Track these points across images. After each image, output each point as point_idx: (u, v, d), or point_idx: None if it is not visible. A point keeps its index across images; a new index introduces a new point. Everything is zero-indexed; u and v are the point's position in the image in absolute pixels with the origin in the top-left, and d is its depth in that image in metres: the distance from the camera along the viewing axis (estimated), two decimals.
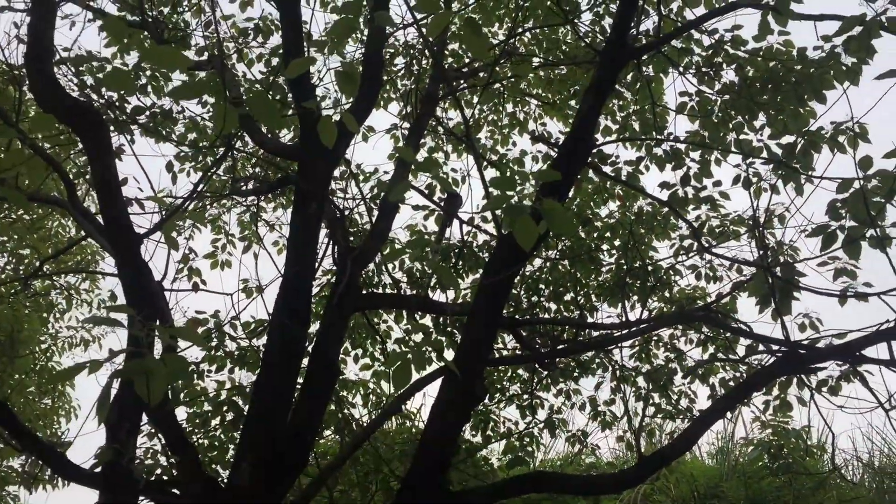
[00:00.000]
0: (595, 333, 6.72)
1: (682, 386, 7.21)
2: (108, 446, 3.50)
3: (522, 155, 7.35)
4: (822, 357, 4.38)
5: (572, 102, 7.47)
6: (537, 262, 7.29)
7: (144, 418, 3.88)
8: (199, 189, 4.69)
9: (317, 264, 4.85)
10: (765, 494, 8.57)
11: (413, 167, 5.26)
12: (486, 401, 7.56)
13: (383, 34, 4.70)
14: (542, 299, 7.52)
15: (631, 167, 6.09)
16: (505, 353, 7.09)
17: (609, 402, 7.30)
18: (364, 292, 4.92)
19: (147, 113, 6.31)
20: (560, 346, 6.16)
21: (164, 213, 7.24)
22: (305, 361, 4.53)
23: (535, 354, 5.79)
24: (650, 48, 5.29)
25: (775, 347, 4.67)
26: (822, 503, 8.26)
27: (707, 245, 6.23)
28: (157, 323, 3.53)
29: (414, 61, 6.90)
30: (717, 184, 5.83)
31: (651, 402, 7.18)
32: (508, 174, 3.97)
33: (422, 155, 6.71)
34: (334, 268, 5.07)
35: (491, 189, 2.69)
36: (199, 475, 3.67)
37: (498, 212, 3.67)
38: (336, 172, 6.59)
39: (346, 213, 5.74)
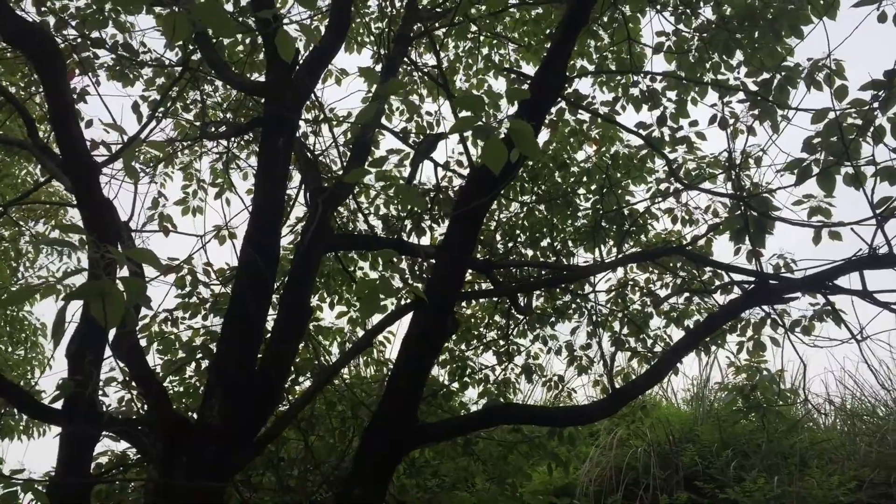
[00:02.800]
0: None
1: (658, 330, 7.26)
2: (69, 378, 3.44)
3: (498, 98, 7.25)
4: (792, 288, 4.37)
5: (548, 45, 7.36)
6: (514, 207, 7.25)
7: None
8: (158, 113, 4.55)
9: (287, 202, 4.76)
10: (738, 437, 8.68)
11: (383, 96, 5.16)
12: (463, 347, 7.60)
13: None
14: (518, 244, 7.50)
15: (607, 108, 6.02)
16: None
17: (585, 346, 7.34)
18: (336, 234, 4.84)
19: (112, 55, 6.14)
20: (532, 281, 6.13)
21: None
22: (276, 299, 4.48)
23: (506, 289, 5.76)
24: None
25: (745, 279, 4.67)
26: (794, 445, 8.37)
27: (683, 186, 6.23)
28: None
29: (387, 2, 6.75)
30: (694, 124, 5.78)
31: (626, 346, 7.22)
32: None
33: (395, 98, 6.61)
34: (306, 210, 4.98)
35: (459, 110, 2.61)
36: (167, 411, 3.62)
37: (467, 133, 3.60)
38: (308, 116, 6.48)
39: (319, 156, 5.63)
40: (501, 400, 6.61)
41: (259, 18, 3.89)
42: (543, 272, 6.36)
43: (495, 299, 7.22)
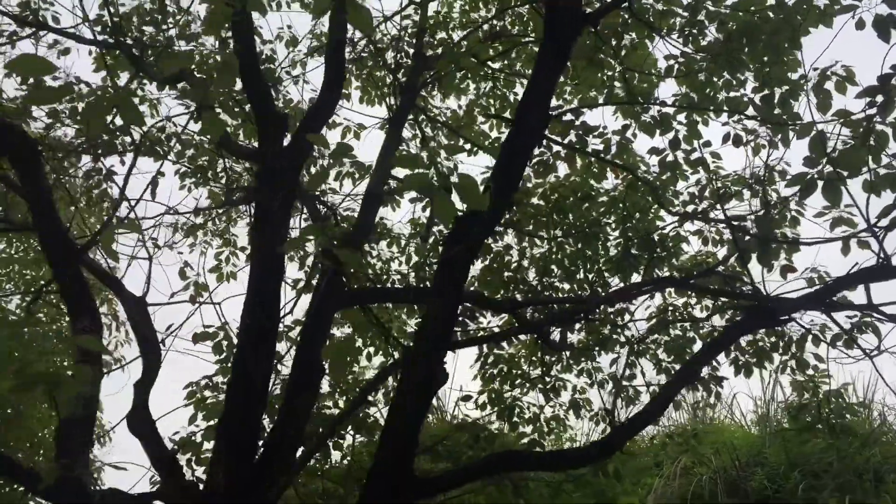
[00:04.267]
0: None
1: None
2: (53, 463, 3.58)
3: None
4: (792, 307, 4.24)
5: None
6: (543, 245, 7.25)
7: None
8: (141, 198, 4.75)
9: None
10: (808, 457, 8.34)
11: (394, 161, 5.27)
12: (507, 387, 7.56)
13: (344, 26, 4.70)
14: (553, 280, 7.47)
15: (619, 136, 6.00)
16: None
17: (630, 377, 7.20)
18: (349, 289, 4.92)
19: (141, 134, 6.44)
20: (546, 316, 6.09)
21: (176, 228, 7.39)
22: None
23: (513, 330, 5.73)
24: (604, 12, 5.16)
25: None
26: (868, 461, 8.00)
27: (710, 205, 6.13)
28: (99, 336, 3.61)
29: (394, 51, 6.90)
30: (707, 144, 5.69)
31: (672, 373, 7.06)
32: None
33: (408, 148, 6.72)
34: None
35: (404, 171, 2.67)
36: (176, 481, 3.72)
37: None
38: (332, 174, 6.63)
39: (326, 213, 5.75)
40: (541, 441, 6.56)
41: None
42: (567, 305, 6.31)
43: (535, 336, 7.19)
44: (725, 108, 5.37)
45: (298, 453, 4.34)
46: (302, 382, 4.30)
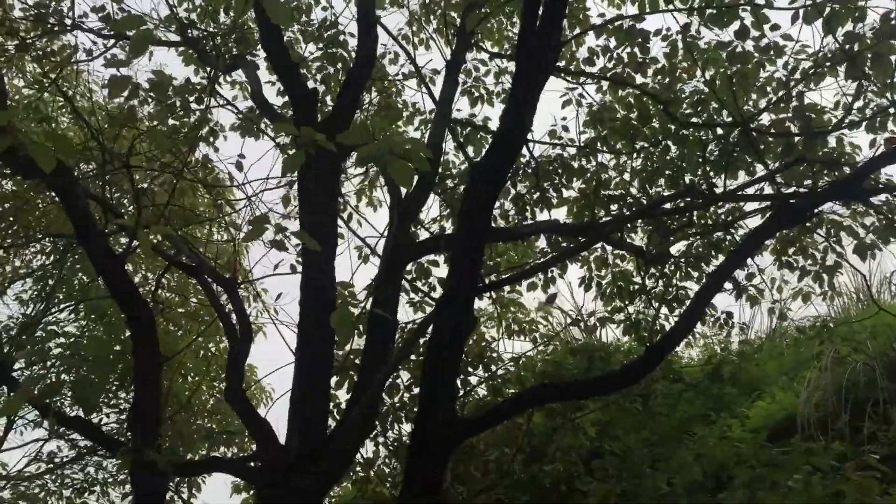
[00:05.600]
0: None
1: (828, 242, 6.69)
2: (125, 449, 4.09)
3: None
4: (815, 202, 3.96)
5: None
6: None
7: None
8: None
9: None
10: None
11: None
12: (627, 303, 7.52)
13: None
14: (660, 189, 7.28)
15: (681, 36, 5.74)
16: None
17: (749, 276, 6.97)
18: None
19: None
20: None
21: None
22: None
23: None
24: None
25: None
26: None
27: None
28: None
29: None
30: (776, 28, 5.32)
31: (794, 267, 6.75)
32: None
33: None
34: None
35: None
36: (271, 447, 4.17)
37: None
38: None
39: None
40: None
41: None
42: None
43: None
44: None
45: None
46: (375, 358, 4.61)
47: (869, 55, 4.14)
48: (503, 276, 6.32)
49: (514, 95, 4.24)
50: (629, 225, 7.06)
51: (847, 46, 4.36)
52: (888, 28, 3.91)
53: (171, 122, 6.94)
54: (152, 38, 3.25)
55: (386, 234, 5.01)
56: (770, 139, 6.25)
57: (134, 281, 4.66)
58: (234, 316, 4.84)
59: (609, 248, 6.98)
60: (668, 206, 6.49)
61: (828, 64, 5.81)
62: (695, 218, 6.75)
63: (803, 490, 4.49)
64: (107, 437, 5.03)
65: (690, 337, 7.53)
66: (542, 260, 6.29)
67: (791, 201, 4.10)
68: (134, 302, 4.47)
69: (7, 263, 8.48)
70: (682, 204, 6.19)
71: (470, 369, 6.66)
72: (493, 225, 6.21)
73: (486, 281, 5.86)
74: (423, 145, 2.65)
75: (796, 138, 4.50)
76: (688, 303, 6.17)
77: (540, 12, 4.13)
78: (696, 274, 7.31)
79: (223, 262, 7.00)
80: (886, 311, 5.72)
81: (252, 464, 4.41)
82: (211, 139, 6.88)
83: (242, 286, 7.31)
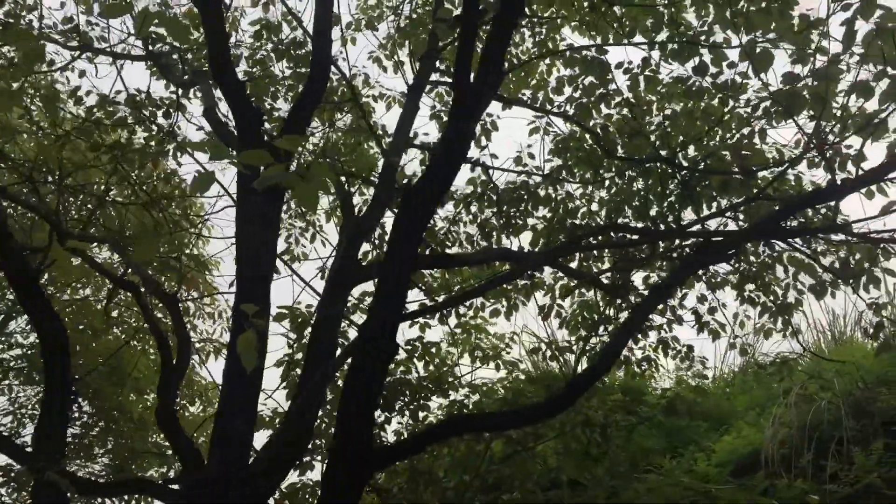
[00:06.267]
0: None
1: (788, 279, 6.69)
2: (24, 469, 4.05)
3: None
4: (735, 241, 3.96)
5: None
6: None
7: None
8: None
9: None
10: None
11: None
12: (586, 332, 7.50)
13: None
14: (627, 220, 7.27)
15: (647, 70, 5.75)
16: None
17: (711, 310, 6.96)
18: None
19: None
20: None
21: None
22: None
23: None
24: None
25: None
26: None
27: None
28: None
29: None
30: (732, 65, 5.34)
31: (756, 302, 6.74)
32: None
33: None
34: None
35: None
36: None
37: None
38: None
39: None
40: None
41: None
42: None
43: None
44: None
45: None
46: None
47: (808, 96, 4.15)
48: (437, 301, 6.29)
49: (454, 110, 4.26)
50: (595, 253, 7.06)
51: (786, 87, 4.36)
52: (834, 70, 3.91)
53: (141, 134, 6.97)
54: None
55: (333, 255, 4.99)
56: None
57: (48, 298, 4.61)
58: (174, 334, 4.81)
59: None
60: (632, 237, 6.50)
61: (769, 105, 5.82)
62: (660, 248, 6.74)
63: None
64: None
65: (656, 371, 7.50)
66: (477, 285, 6.26)
67: (714, 239, 4.09)
68: (46, 319, 4.43)
69: None
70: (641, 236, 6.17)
71: (427, 395, 6.62)
72: (450, 251, 6.20)
73: (429, 303, 5.84)
74: (325, 168, 2.62)
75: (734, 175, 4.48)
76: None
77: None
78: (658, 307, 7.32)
79: (183, 279, 6.98)
80: (821, 356, 5.74)
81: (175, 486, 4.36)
82: (178, 154, 6.87)
83: (206, 303, 7.29)
